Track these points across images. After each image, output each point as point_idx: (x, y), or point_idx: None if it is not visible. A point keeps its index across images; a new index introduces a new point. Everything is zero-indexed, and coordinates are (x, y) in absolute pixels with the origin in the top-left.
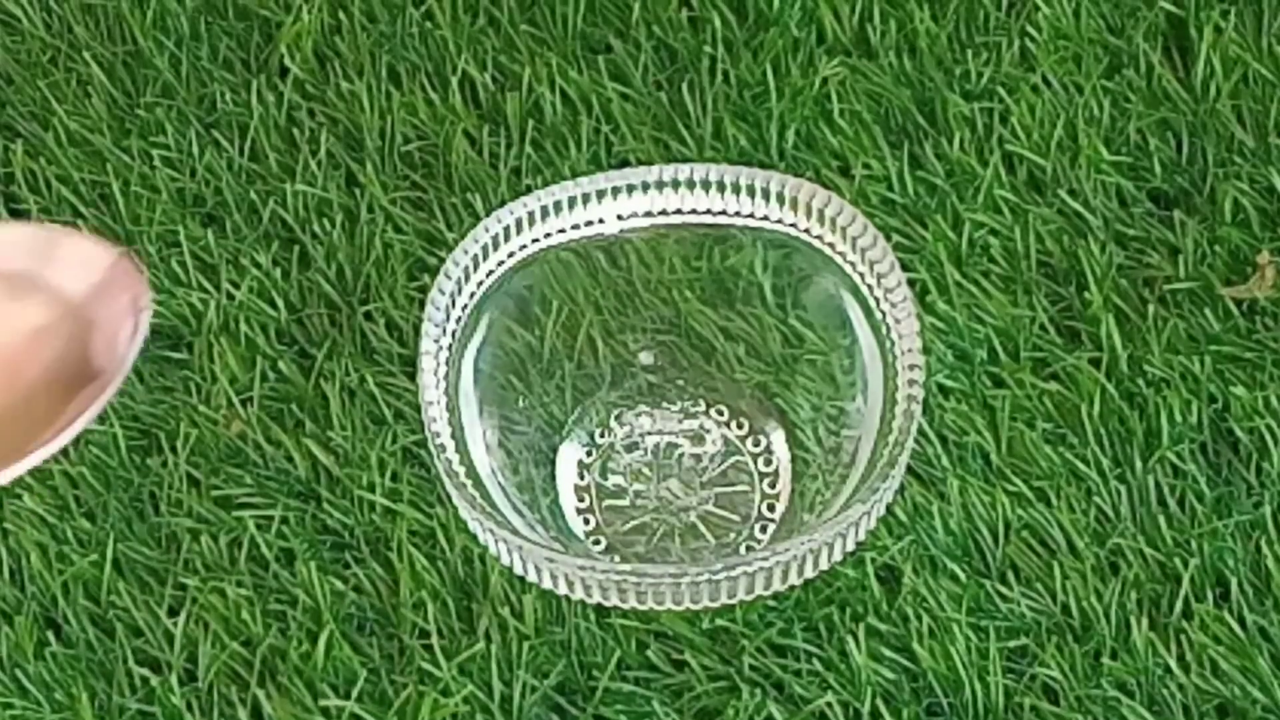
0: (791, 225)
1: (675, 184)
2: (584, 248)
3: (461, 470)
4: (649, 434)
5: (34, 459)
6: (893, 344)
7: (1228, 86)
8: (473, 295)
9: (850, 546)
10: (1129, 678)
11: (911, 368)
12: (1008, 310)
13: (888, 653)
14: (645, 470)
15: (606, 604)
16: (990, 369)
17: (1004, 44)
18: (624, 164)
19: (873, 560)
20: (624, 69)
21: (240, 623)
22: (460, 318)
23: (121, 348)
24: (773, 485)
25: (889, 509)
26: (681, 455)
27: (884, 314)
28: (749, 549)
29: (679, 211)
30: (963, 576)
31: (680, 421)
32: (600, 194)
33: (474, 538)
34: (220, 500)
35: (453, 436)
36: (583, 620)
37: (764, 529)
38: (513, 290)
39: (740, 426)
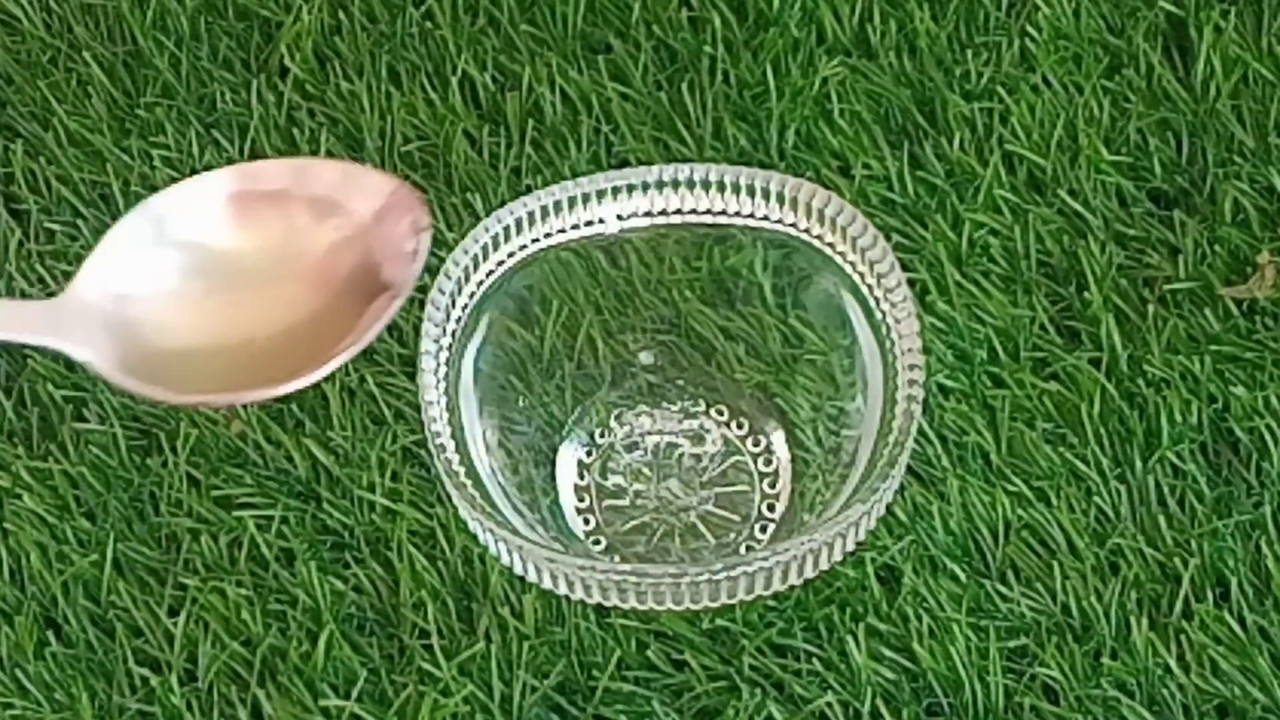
0: (791, 225)
1: (675, 184)
2: (584, 248)
3: (461, 470)
4: (649, 434)
5: (338, 361)
6: (893, 344)
7: (1228, 86)
8: (473, 295)
9: (850, 546)
10: (1129, 677)
11: (911, 368)
12: (1008, 310)
13: (888, 653)
14: (645, 470)
15: (606, 604)
16: (990, 369)
17: (1004, 44)
18: (624, 164)
19: (873, 560)
20: (624, 69)
21: (240, 623)
22: (460, 318)
23: (406, 263)
24: (773, 485)
25: (889, 509)
26: (681, 455)
27: (884, 314)
28: (749, 549)
29: (679, 211)
30: (963, 576)
31: (680, 421)
32: (600, 194)
33: (474, 538)
34: (220, 500)
35: (453, 436)
36: (583, 620)
37: (764, 529)
38: (513, 290)
39: (740, 426)
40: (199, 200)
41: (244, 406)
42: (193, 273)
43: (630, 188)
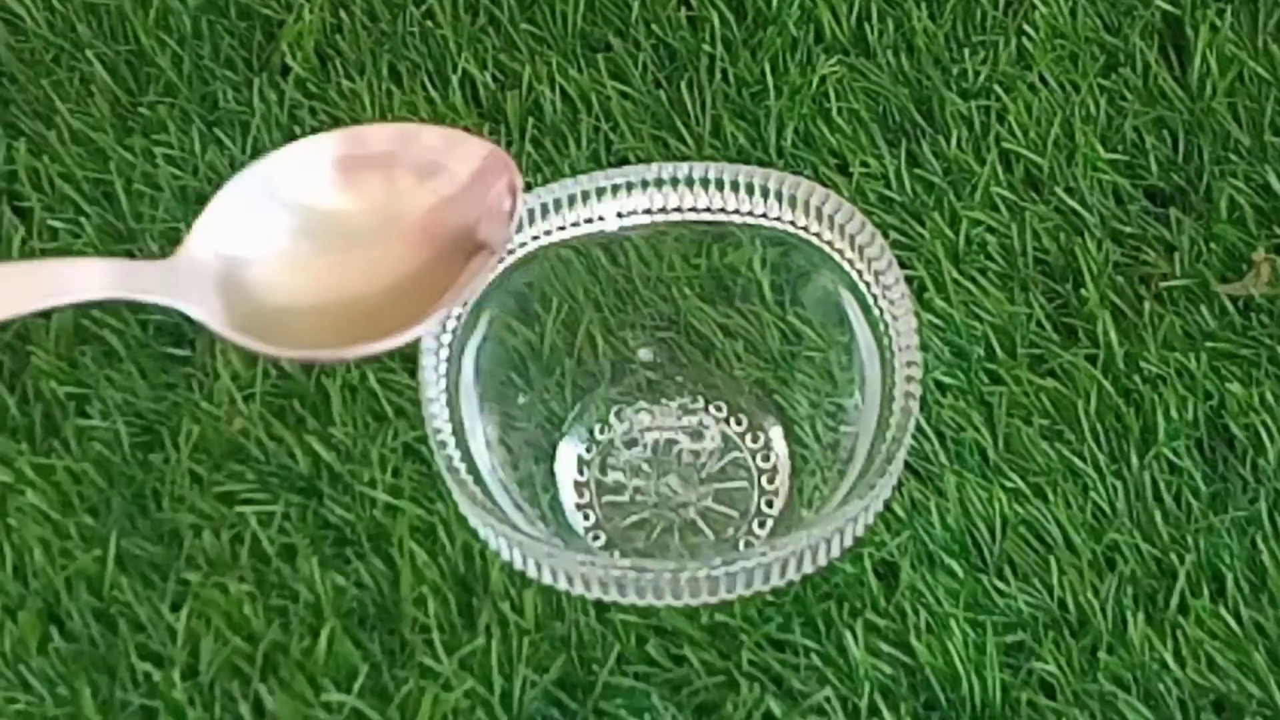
0: (790, 223)
1: (674, 182)
2: (584, 245)
3: (462, 466)
4: (648, 430)
5: (439, 315)
6: (890, 341)
7: (1223, 85)
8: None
9: (848, 542)
10: (1125, 673)
11: (909, 364)
12: (1005, 307)
13: (886, 648)
14: (644, 466)
15: (606, 599)
16: (987, 366)
17: (1001, 43)
18: (623, 162)
19: (871, 556)
20: (623, 67)
21: (242, 618)
22: (461, 314)
23: (503, 223)
24: (771, 481)
25: (887, 505)
26: (680, 451)
27: (882, 311)
28: (748, 545)
29: (678, 209)
30: (960, 572)
31: (679, 418)
32: (600, 192)
33: (474, 533)
34: (222, 496)
35: (453, 433)
36: (583, 615)
37: (762, 525)
38: (513, 287)
39: (739, 423)
40: (307, 163)
41: (245, 402)
42: (301, 233)
43: (630, 185)
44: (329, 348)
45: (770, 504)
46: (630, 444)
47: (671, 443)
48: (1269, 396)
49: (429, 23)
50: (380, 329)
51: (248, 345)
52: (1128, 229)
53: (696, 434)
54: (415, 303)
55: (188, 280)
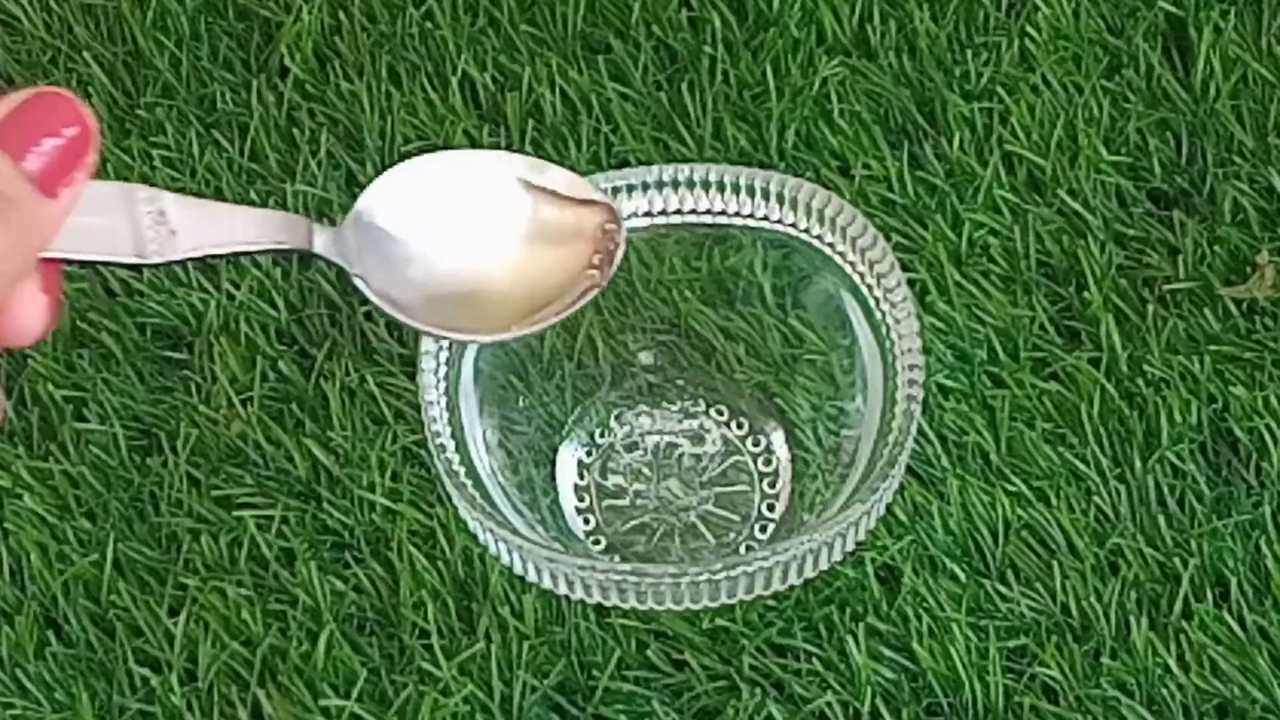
0: (791, 225)
1: (675, 184)
2: None
3: (461, 470)
4: (649, 434)
5: (543, 326)
6: (892, 344)
7: (1227, 87)
8: None
9: (850, 546)
10: (1128, 677)
11: (911, 368)
12: (1007, 310)
13: (887, 652)
14: (645, 470)
15: (606, 604)
16: (990, 369)
17: (1004, 44)
18: (624, 164)
19: (872, 560)
20: (624, 69)
21: (240, 622)
22: None
23: (609, 262)
24: (772, 485)
25: (889, 509)
26: (681, 455)
27: (884, 314)
28: (749, 549)
29: (679, 211)
30: (962, 576)
31: (680, 421)
32: None
33: (474, 537)
34: (220, 500)
35: (453, 436)
36: (583, 620)
37: (764, 529)
38: None
39: (740, 426)
40: (491, 165)
41: (244, 405)
42: (472, 221)
43: (630, 188)
44: (465, 331)
45: (771, 508)
46: (631, 448)
47: (672, 446)
48: (1273, 400)
49: (428, 24)
50: (504, 322)
51: (397, 317)
52: (1131, 231)
53: (697, 438)
54: (536, 303)
55: (351, 246)
